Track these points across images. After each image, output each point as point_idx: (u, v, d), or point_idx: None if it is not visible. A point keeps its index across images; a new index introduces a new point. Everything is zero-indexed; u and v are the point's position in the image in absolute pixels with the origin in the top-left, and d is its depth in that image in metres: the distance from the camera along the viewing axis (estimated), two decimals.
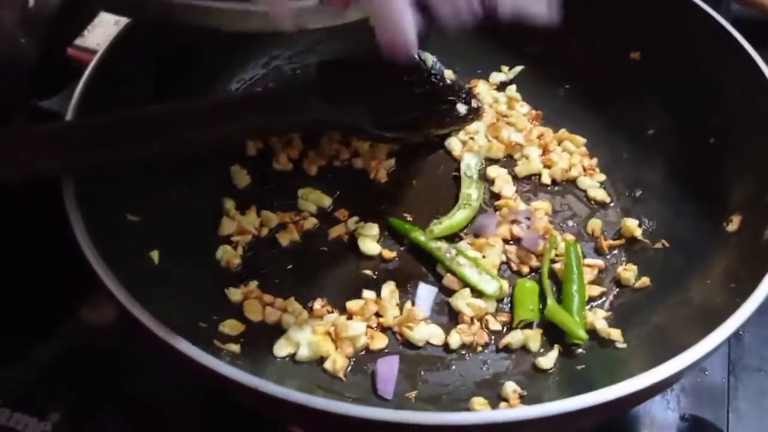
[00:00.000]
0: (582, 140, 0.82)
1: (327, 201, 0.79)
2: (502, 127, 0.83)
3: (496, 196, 0.79)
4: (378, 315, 0.69)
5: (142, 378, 0.71)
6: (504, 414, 0.48)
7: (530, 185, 0.80)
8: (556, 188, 0.80)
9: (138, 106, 0.67)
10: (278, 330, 0.68)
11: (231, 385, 0.49)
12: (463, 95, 0.83)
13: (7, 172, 0.57)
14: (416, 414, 0.47)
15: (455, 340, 0.67)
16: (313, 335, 0.66)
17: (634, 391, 0.48)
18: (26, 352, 0.73)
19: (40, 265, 0.76)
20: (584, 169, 0.80)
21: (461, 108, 0.82)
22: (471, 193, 0.78)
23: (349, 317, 0.68)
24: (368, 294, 0.70)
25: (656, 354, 0.54)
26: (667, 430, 0.67)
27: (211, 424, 0.68)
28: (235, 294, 0.70)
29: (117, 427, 0.69)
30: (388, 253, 0.74)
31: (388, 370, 0.64)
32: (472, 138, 0.83)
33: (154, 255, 0.67)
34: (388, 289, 0.71)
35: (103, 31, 0.85)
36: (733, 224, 0.66)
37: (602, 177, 0.80)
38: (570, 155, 0.82)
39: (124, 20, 0.73)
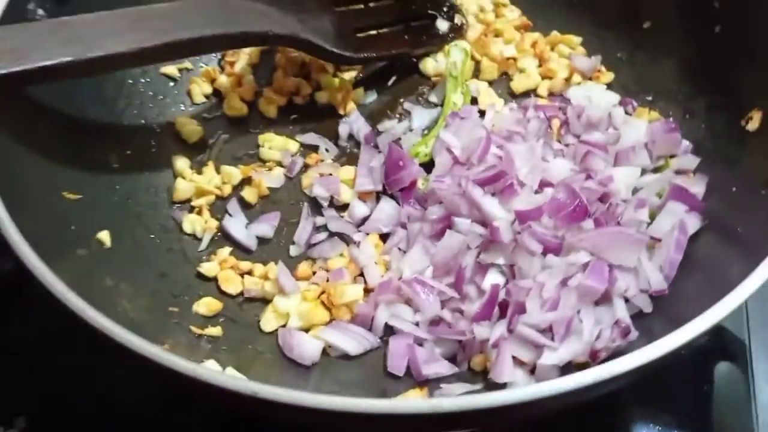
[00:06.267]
0: (577, 39, 0.73)
1: (294, 146, 0.69)
2: (489, 42, 0.72)
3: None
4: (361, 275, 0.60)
5: (110, 376, 0.62)
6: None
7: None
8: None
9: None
10: (262, 302, 0.60)
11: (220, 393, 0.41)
12: (446, 9, 0.72)
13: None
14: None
15: None
16: (304, 303, 0.58)
17: None
18: None
19: None
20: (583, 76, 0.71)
21: (442, 25, 0.72)
22: (456, 100, 0.68)
23: (335, 278, 0.59)
24: (351, 251, 0.61)
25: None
26: None
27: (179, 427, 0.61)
28: (210, 270, 0.60)
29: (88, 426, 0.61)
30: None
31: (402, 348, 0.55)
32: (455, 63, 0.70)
33: (104, 236, 0.57)
34: (372, 242, 0.62)
35: None
36: (754, 122, 0.59)
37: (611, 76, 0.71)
38: (567, 60, 0.72)
39: None
